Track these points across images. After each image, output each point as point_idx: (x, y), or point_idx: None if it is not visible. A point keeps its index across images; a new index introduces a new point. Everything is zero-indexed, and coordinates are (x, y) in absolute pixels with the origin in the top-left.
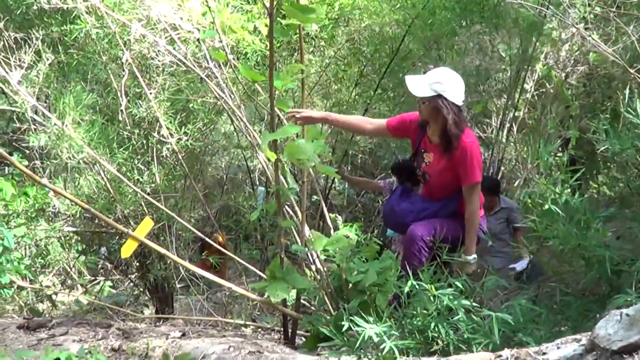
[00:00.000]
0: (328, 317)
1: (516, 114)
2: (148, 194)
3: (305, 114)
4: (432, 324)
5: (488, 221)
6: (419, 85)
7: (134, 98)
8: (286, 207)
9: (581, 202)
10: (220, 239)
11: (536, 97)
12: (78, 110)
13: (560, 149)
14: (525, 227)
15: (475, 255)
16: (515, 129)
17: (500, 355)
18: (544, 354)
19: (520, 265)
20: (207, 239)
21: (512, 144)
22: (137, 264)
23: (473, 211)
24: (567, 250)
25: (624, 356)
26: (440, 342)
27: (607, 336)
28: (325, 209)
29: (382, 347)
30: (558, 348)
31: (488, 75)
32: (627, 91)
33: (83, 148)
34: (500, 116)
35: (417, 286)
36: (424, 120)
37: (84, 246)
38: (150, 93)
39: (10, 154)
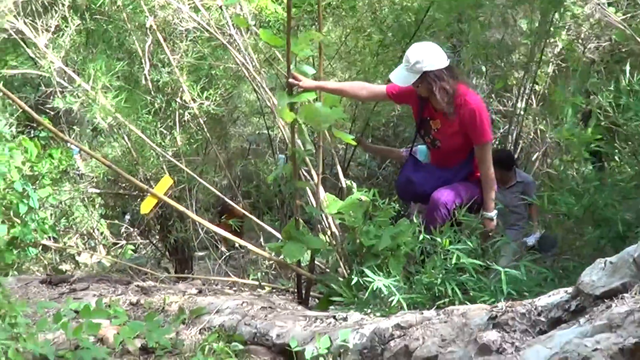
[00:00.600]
0: (341, 279)
1: (536, 87)
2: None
3: (301, 83)
4: (439, 281)
5: (503, 194)
6: (402, 75)
7: (157, 64)
8: (303, 171)
9: (595, 173)
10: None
11: (557, 72)
12: (107, 77)
13: (581, 124)
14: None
15: (496, 212)
16: (534, 102)
17: (496, 306)
18: (535, 303)
19: (531, 240)
20: (227, 200)
21: (530, 117)
22: (158, 226)
23: (488, 168)
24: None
25: (605, 300)
26: (445, 298)
27: (591, 282)
28: (341, 175)
29: (389, 300)
30: (549, 297)
31: (509, 48)
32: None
33: (111, 113)
34: (520, 90)
35: (430, 244)
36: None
37: (107, 210)
38: (174, 59)
39: None
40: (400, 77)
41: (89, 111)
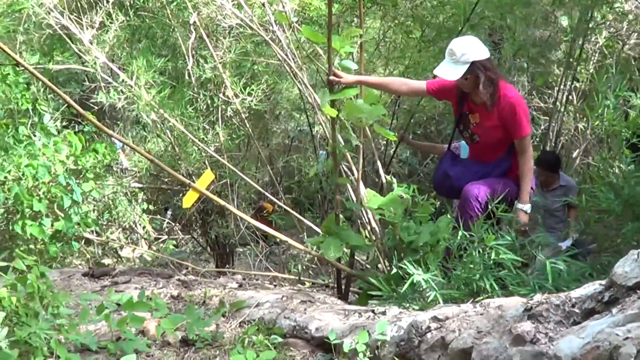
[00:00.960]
0: (381, 274)
1: (576, 84)
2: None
3: (342, 79)
4: (478, 276)
5: (545, 197)
6: (450, 68)
7: (200, 60)
8: (344, 167)
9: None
10: (269, 207)
11: (597, 68)
12: (150, 73)
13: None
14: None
15: (530, 205)
16: (575, 99)
17: (531, 298)
18: (569, 295)
19: (565, 244)
20: (267, 194)
21: (571, 114)
22: (200, 222)
23: (526, 162)
24: (619, 211)
25: (637, 291)
26: (484, 294)
27: (624, 274)
28: (382, 171)
29: (427, 295)
30: (583, 289)
31: (551, 46)
32: None
33: (154, 108)
34: (560, 86)
35: (467, 240)
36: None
37: (150, 205)
38: (217, 55)
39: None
40: (449, 71)
41: (132, 106)
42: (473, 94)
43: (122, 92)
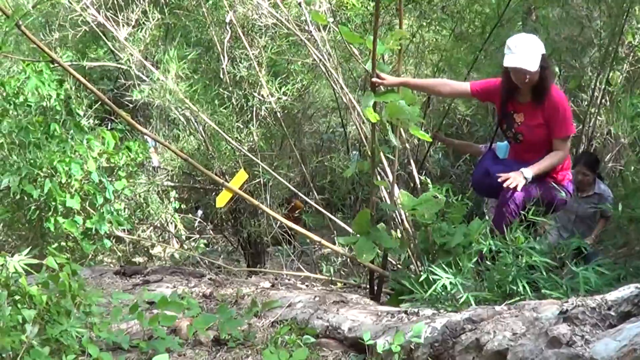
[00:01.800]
0: (414, 276)
1: (610, 88)
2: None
3: (385, 81)
4: (510, 278)
5: (578, 203)
6: (527, 59)
7: (235, 59)
8: (378, 168)
9: None
10: (300, 205)
11: (631, 72)
12: (180, 64)
13: None
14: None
15: (531, 176)
16: (608, 103)
17: (566, 301)
18: (605, 298)
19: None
20: (299, 194)
21: (603, 117)
22: (232, 220)
23: (559, 153)
24: None
25: None
26: (517, 296)
27: None
28: (416, 172)
29: (459, 297)
30: (619, 292)
31: (584, 48)
32: None
33: (184, 102)
34: (593, 90)
35: (500, 243)
36: (509, 84)
37: (181, 203)
38: (252, 54)
39: None
40: (526, 61)
41: (164, 102)
42: (520, 93)
43: (155, 89)
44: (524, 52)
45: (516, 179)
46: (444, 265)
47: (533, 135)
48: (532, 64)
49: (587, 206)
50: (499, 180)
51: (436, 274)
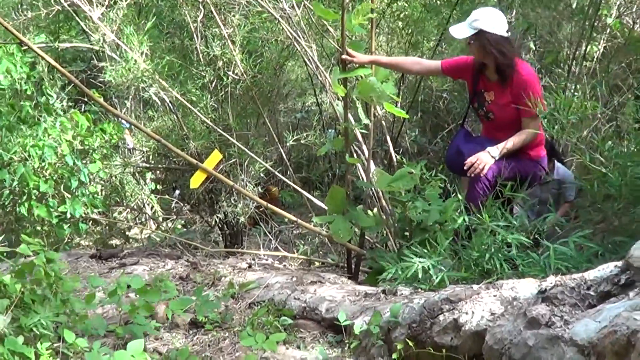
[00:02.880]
0: (391, 254)
1: (587, 64)
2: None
3: (355, 58)
4: (487, 256)
5: (540, 190)
6: (460, 29)
7: (208, 38)
8: (354, 146)
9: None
10: (274, 190)
11: (607, 48)
12: (146, 41)
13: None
14: (575, 201)
15: (497, 155)
16: (585, 80)
17: (545, 280)
18: (584, 277)
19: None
20: (275, 173)
21: (580, 94)
22: (208, 201)
23: (528, 132)
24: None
25: None
26: (495, 274)
27: None
28: (392, 149)
29: (434, 278)
30: (598, 271)
31: (560, 24)
32: None
33: (157, 80)
34: (570, 65)
35: (475, 221)
36: (478, 62)
37: (158, 184)
38: (226, 33)
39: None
40: (458, 30)
41: (134, 78)
42: (488, 72)
43: (127, 68)
44: (464, 22)
45: (482, 160)
46: (418, 246)
47: (504, 113)
48: (458, 32)
49: (546, 194)
50: (465, 167)
51: (410, 257)
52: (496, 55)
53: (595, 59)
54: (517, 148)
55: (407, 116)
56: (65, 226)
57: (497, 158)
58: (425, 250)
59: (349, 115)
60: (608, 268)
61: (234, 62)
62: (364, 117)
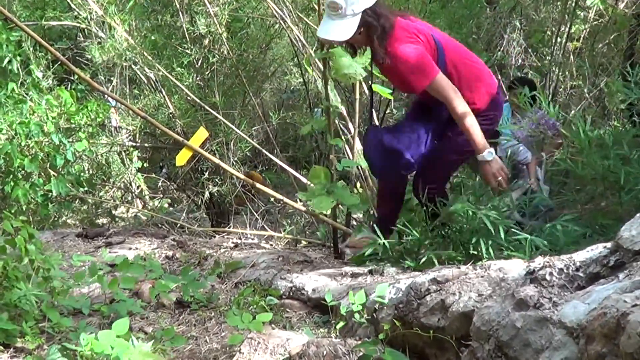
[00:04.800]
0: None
1: (575, 43)
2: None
3: None
4: (474, 239)
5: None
6: (338, 26)
7: (194, 16)
8: (340, 125)
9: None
10: (257, 176)
11: (593, 28)
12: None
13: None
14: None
15: (490, 150)
16: (572, 59)
17: (533, 261)
18: (573, 258)
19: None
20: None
21: (567, 73)
22: (195, 180)
23: (450, 104)
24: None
25: None
26: (479, 255)
27: (630, 237)
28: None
29: (420, 256)
30: (587, 252)
31: (545, 3)
32: None
33: (144, 55)
34: (554, 45)
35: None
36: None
37: (144, 163)
38: (212, 11)
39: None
40: (337, 30)
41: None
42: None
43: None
44: (332, 17)
45: (490, 171)
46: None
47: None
48: (342, 32)
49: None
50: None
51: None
52: (381, 35)
53: (581, 38)
54: (475, 124)
55: (391, 97)
56: (50, 205)
57: (489, 154)
58: (411, 230)
59: (332, 95)
60: (597, 249)
61: (219, 41)
62: (332, 97)
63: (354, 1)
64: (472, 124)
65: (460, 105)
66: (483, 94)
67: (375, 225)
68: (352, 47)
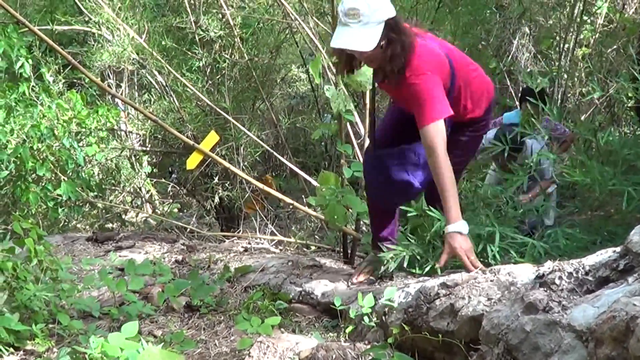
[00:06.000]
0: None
1: (584, 49)
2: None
3: None
4: (480, 247)
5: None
6: (361, 35)
7: (205, 20)
8: (350, 130)
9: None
10: (269, 180)
11: (600, 33)
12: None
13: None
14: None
15: (463, 223)
16: (581, 65)
17: (542, 265)
18: (583, 262)
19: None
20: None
21: (576, 79)
22: (204, 185)
23: (438, 159)
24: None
25: None
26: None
27: None
28: None
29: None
30: (596, 256)
31: (555, 9)
32: None
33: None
34: (562, 51)
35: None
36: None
37: (154, 168)
38: (227, 13)
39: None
40: (360, 39)
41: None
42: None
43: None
44: (352, 24)
45: (455, 248)
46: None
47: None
48: (365, 42)
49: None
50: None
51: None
52: (399, 52)
53: (590, 44)
54: (448, 179)
55: None
56: (61, 209)
57: (465, 230)
58: (415, 239)
59: (343, 100)
60: (607, 253)
61: (230, 45)
62: (345, 104)
63: (377, 7)
64: (452, 187)
65: (445, 160)
66: (483, 102)
67: (379, 245)
68: (349, 64)
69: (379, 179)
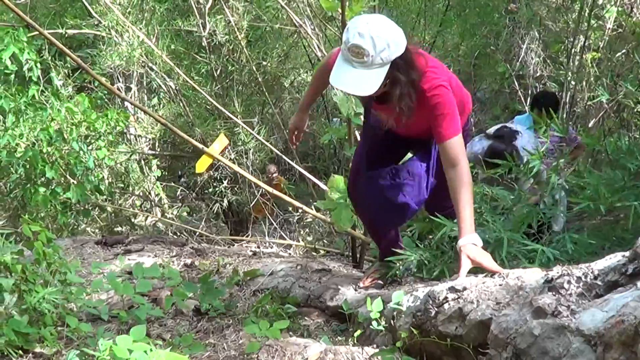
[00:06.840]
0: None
1: (593, 54)
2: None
3: None
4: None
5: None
6: (362, 78)
7: (214, 25)
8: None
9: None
10: (280, 182)
11: (612, 38)
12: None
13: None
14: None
15: (476, 236)
16: (590, 70)
17: (551, 269)
18: (591, 267)
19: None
20: (284, 157)
21: (585, 83)
22: (214, 189)
23: (462, 170)
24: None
25: None
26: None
27: None
28: None
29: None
30: (605, 261)
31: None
32: None
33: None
34: (571, 55)
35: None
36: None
37: (164, 172)
38: (233, 20)
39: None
40: (360, 83)
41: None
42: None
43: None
44: (354, 64)
45: (471, 258)
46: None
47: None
48: (368, 85)
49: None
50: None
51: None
52: (407, 91)
53: (599, 48)
54: (467, 192)
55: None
56: (70, 213)
57: (479, 242)
58: (421, 244)
59: (350, 103)
60: (615, 258)
61: (238, 49)
62: (354, 107)
63: (383, 47)
64: (471, 199)
65: (468, 173)
66: (465, 114)
67: (384, 257)
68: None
69: (375, 201)
